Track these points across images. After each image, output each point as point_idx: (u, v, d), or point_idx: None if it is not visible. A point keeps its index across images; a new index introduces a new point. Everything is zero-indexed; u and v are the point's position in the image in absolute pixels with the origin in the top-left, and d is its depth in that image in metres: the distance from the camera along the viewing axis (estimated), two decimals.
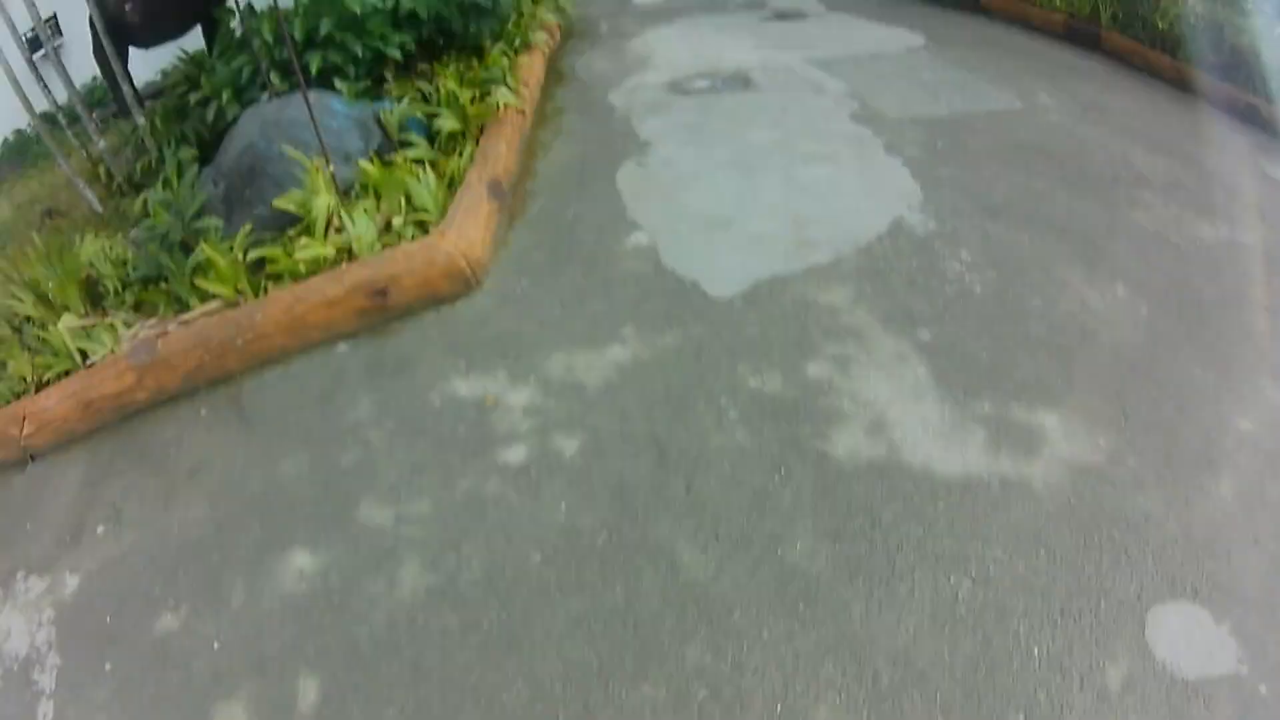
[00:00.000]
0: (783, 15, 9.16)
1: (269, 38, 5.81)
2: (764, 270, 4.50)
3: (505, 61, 6.73)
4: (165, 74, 8.00)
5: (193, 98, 6.31)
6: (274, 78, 5.84)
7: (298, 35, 5.83)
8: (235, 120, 5.71)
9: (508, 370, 3.98)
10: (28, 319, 4.60)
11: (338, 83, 5.89)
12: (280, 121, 5.31)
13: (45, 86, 6.39)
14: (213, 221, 4.83)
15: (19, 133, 8.77)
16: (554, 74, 7.68)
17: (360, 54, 6.00)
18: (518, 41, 7.41)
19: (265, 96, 5.81)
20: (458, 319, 4.38)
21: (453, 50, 6.92)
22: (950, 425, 3.48)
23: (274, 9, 5.82)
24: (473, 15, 6.83)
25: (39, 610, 3.28)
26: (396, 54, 6.14)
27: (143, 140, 6.36)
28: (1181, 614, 2.78)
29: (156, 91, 7.92)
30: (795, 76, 7.00)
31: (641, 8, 10.05)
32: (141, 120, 6.41)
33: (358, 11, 5.86)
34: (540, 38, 7.79)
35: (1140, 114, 7.07)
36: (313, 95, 5.42)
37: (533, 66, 7.27)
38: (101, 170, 6.58)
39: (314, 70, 5.82)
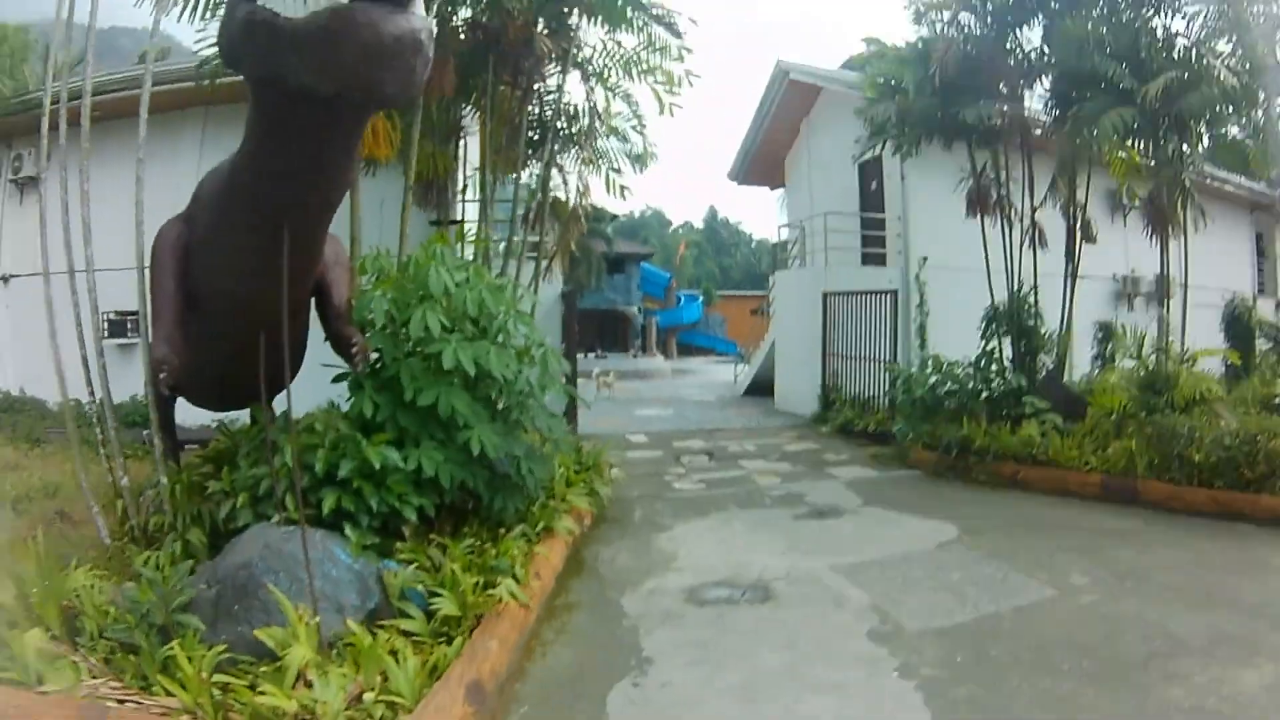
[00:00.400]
0: (818, 512, 9.56)
1: (289, 461, 6.04)
2: None
3: (521, 548, 6.73)
4: (221, 426, 7.85)
5: (213, 484, 6.54)
6: (289, 501, 5.93)
7: (318, 468, 6.21)
8: (246, 527, 5.88)
9: None
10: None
11: (348, 529, 5.99)
12: (284, 551, 5.32)
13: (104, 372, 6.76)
14: (194, 622, 4.82)
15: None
16: (574, 563, 7.71)
17: (375, 506, 6.18)
18: (541, 525, 7.47)
19: (275, 518, 5.91)
20: None
21: (477, 519, 7.17)
22: None
23: (298, 437, 6.36)
24: (501, 489, 7.22)
25: None
26: (412, 515, 6.33)
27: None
28: None
29: (204, 440, 7.93)
30: (819, 587, 6.95)
31: (681, 495, 10.54)
32: (164, 480, 6.63)
33: (376, 466, 6.26)
34: (565, 525, 7.85)
35: (1180, 565, 7.25)
36: (318, 535, 5.60)
37: (550, 557, 7.19)
38: (120, 505, 6.64)
39: (325, 509, 5.98)
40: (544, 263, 13.01)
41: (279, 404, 6.39)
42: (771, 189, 25.90)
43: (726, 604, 6.65)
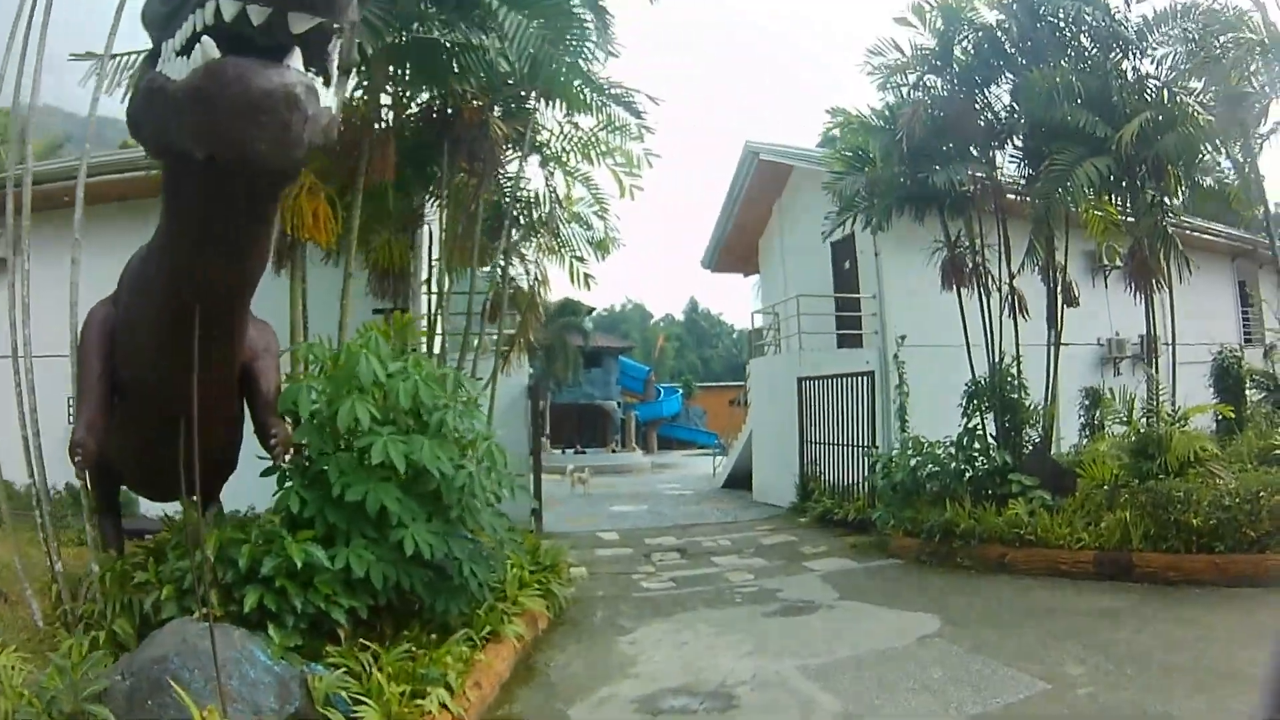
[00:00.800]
0: (791, 608, 9.08)
1: (211, 554, 5.91)
2: None
3: (461, 654, 6.44)
4: (166, 517, 7.87)
5: (139, 575, 6.29)
6: (215, 596, 5.76)
7: (242, 564, 5.91)
8: (168, 621, 5.63)
9: None
10: None
11: (271, 629, 5.74)
12: (200, 648, 5.11)
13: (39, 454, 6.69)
14: (104, 713, 4.68)
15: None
16: (524, 670, 7.29)
17: (301, 607, 5.96)
18: (487, 630, 7.14)
19: (196, 614, 5.67)
20: None
21: (419, 622, 6.83)
22: None
23: (224, 530, 6.19)
24: (443, 591, 6.86)
25: None
26: (341, 617, 6.04)
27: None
28: None
29: (152, 531, 7.71)
30: (785, 692, 6.49)
31: (647, 595, 10.06)
32: (95, 567, 6.47)
33: (299, 564, 5.93)
34: (514, 629, 7.51)
35: (1182, 643, 6.93)
36: (236, 634, 5.43)
37: (494, 663, 6.87)
38: (54, 590, 6.57)
39: (247, 607, 5.75)
40: (503, 354, 12.60)
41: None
42: (745, 275, 25.91)
43: (682, 714, 6.16)
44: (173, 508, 7.73)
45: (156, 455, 5.94)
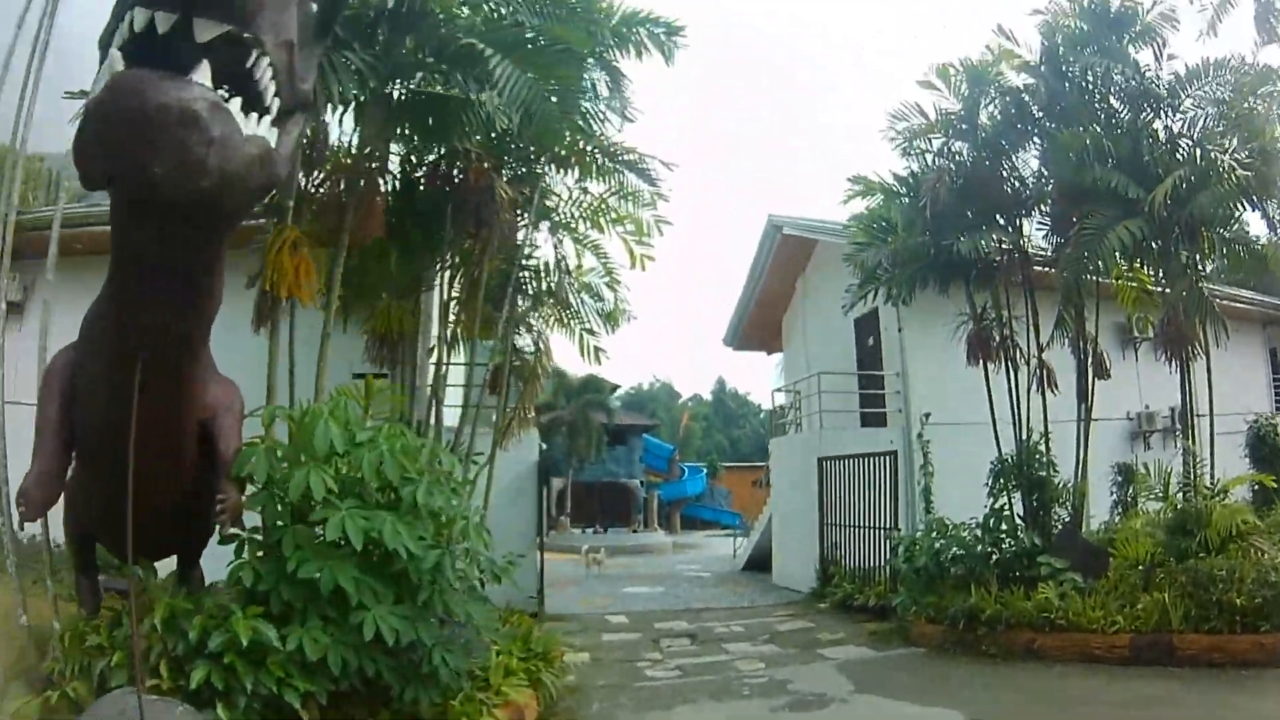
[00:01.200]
0: (800, 702, 8.45)
1: (158, 624, 5.59)
2: None
3: None
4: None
5: (92, 638, 5.90)
6: (165, 668, 5.47)
7: (192, 636, 5.54)
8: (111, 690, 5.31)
9: None
10: None
11: (219, 708, 5.36)
12: None
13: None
14: None
15: None
16: None
17: (250, 687, 5.54)
18: None
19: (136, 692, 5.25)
20: None
21: (388, 710, 6.31)
22: None
23: (173, 602, 5.82)
24: (413, 678, 6.39)
25: None
26: (295, 701, 5.58)
27: None
28: None
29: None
30: None
31: (650, 685, 9.49)
32: (56, 625, 6.22)
33: (244, 642, 5.52)
34: None
35: None
36: (180, 711, 5.13)
37: None
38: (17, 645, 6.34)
39: (194, 682, 5.36)
40: (503, 427, 12.17)
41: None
42: (769, 354, 25.37)
43: None
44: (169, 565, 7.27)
45: (119, 512, 5.56)
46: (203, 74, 3.62)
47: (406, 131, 10.23)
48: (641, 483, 39.57)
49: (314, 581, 5.91)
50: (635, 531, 33.90)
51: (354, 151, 9.87)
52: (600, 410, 35.53)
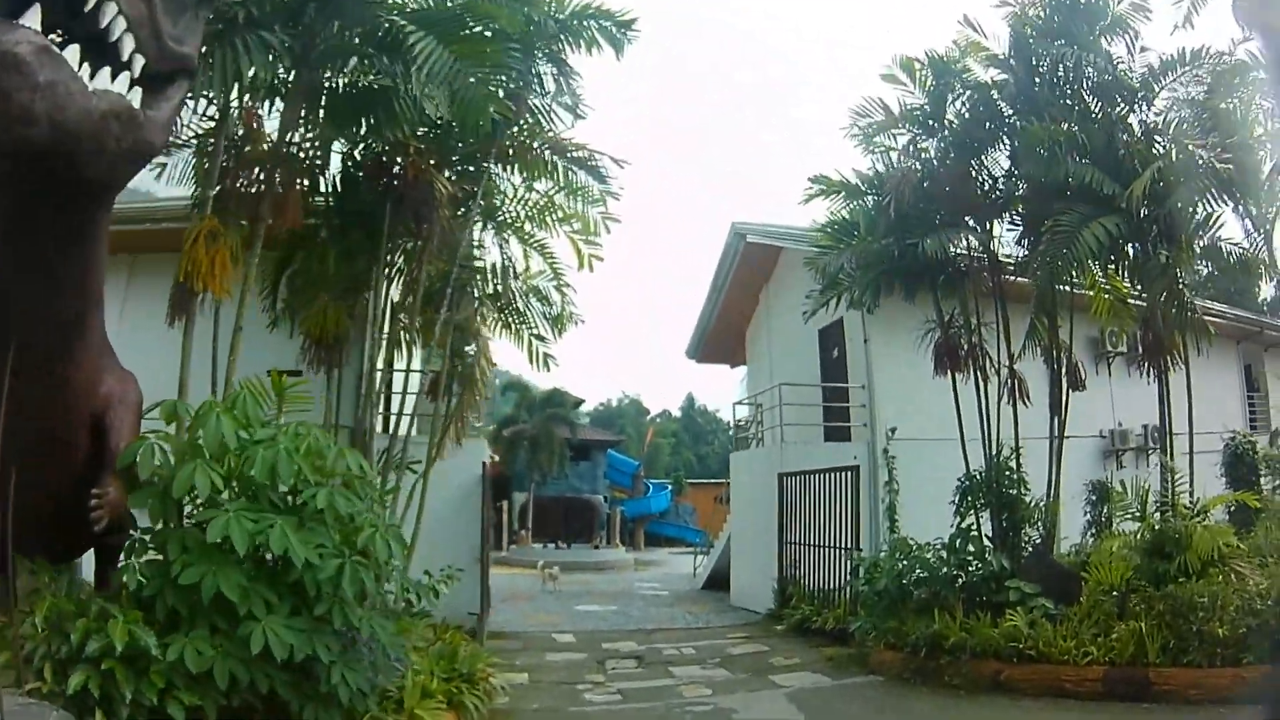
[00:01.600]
0: None
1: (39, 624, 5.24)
2: None
3: None
4: None
5: None
6: (49, 671, 5.09)
7: (74, 639, 5.16)
8: None
9: None
10: None
11: (99, 717, 4.98)
12: None
13: None
14: None
15: None
16: None
17: (130, 695, 5.08)
18: None
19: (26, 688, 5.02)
20: None
21: None
22: None
23: (56, 603, 5.44)
24: (312, 696, 5.82)
25: None
26: (179, 715, 5.15)
27: None
28: None
29: None
30: None
31: (584, 711, 8.89)
32: None
33: (118, 648, 5.03)
34: None
35: None
36: (54, 716, 4.75)
37: None
38: None
39: (71, 687, 4.96)
40: (441, 435, 11.43)
41: None
42: (732, 366, 24.75)
43: None
44: None
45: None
46: (34, 20, 3.44)
47: (338, 123, 9.61)
48: (605, 498, 38.90)
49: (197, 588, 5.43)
50: (597, 548, 33.10)
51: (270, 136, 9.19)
52: (563, 424, 34.90)
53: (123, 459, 5.70)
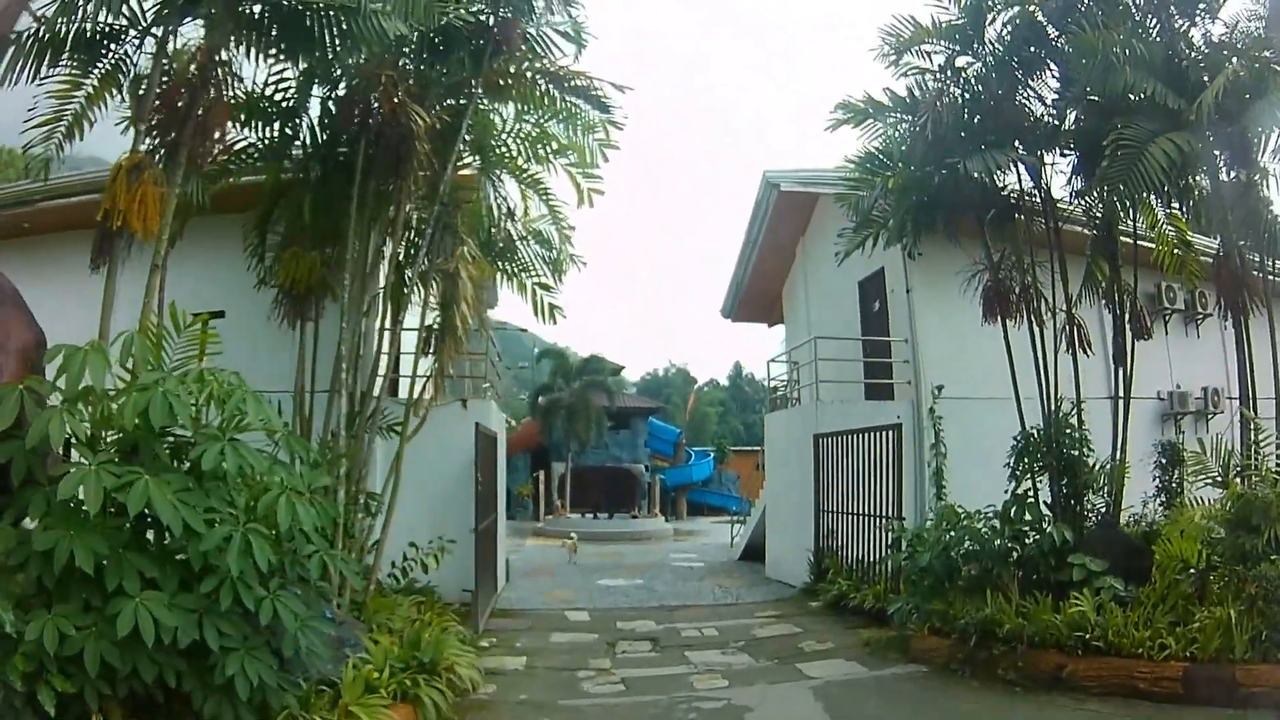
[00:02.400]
0: None
1: None
2: None
3: None
4: None
5: None
6: None
7: None
8: None
9: None
10: None
11: None
12: None
13: None
14: None
15: None
16: None
17: None
18: None
19: None
20: None
21: None
22: None
23: None
24: (214, 688, 5.00)
25: None
26: (49, 705, 4.46)
27: None
28: None
29: None
30: None
31: (578, 706, 7.77)
32: None
33: None
34: None
35: None
36: None
37: None
38: None
39: None
40: (419, 394, 10.25)
41: None
42: (770, 326, 23.28)
43: None
44: None
45: None
46: None
47: (283, 44, 8.41)
48: (646, 467, 37.84)
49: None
50: (636, 517, 32.01)
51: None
52: (602, 392, 33.72)
53: None
